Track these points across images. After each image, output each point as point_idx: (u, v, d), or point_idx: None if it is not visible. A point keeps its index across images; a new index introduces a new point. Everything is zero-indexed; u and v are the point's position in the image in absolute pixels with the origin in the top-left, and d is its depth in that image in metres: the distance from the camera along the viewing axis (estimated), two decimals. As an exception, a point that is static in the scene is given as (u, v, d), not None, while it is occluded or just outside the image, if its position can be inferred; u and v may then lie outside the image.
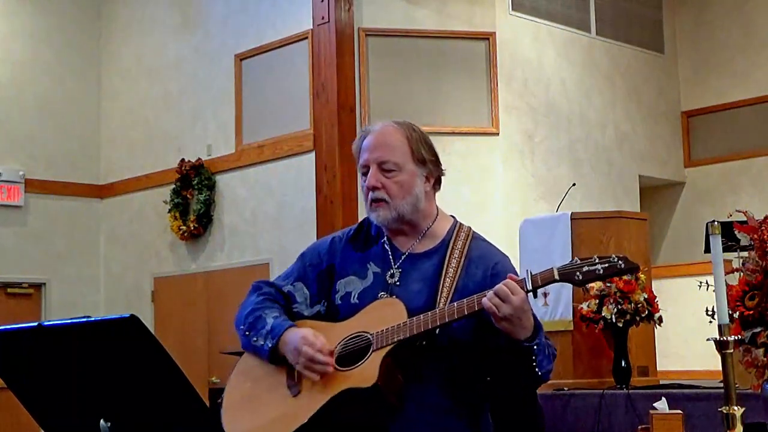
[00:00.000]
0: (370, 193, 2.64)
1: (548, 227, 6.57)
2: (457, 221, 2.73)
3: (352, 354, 2.52)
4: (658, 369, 6.68)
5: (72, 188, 10.84)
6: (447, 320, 2.45)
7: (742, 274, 3.39)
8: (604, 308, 5.94)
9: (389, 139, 2.65)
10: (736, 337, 2.44)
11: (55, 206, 10.72)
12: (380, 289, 2.61)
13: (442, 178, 2.71)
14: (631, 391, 5.82)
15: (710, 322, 2.72)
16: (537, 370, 2.46)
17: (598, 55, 10.23)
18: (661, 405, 5.20)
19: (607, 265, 2.42)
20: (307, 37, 8.95)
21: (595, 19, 10.23)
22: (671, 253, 10.83)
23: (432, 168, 2.67)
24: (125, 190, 10.77)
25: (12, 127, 10.53)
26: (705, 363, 7.33)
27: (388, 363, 2.47)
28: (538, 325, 2.47)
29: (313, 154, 8.79)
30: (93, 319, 2.30)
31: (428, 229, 2.68)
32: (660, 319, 6.11)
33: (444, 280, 2.56)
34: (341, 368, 2.52)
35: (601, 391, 5.89)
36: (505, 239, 6.49)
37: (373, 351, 2.49)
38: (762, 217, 3.43)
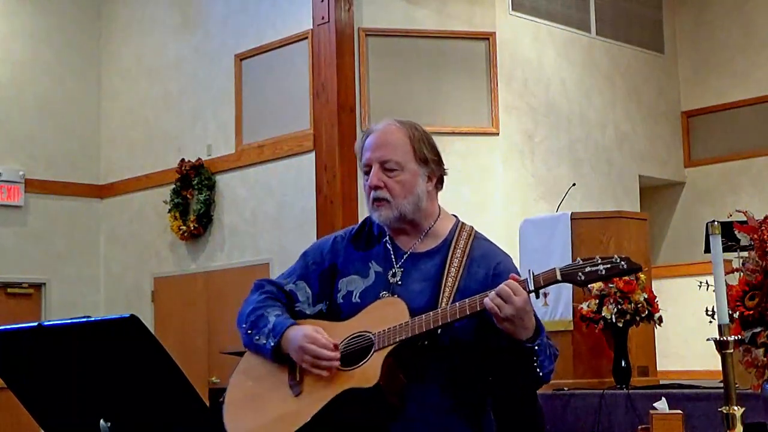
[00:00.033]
0: (372, 193, 2.64)
1: (548, 227, 6.57)
2: (459, 221, 2.73)
3: (354, 354, 2.52)
4: (658, 369, 6.68)
5: (72, 188, 10.84)
6: (449, 320, 2.45)
7: (742, 274, 3.39)
8: (604, 308, 5.94)
9: (391, 139, 2.64)
10: (736, 337, 2.44)
11: (55, 206, 10.72)
12: (382, 289, 2.61)
13: (445, 177, 2.71)
14: (631, 391, 5.82)
15: (710, 322, 2.72)
16: (538, 370, 2.46)
17: (598, 55, 10.23)
18: (661, 405, 5.20)
19: (609, 265, 2.42)
20: (307, 37, 8.95)
21: (595, 19, 10.23)
22: (671, 253, 10.83)
23: (434, 167, 2.66)
24: (125, 190, 10.77)
25: (12, 127, 10.53)
26: (705, 363, 7.33)
27: (390, 363, 2.47)
28: (539, 325, 2.47)
29: (313, 154, 8.79)
30: (93, 319, 2.31)
31: (430, 228, 2.68)
32: (660, 319, 6.11)
33: (446, 279, 2.56)
34: (343, 368, 2.51)
35: (601, 391, 5.89)
36: (505, 239, 6.49)
37: (374, 351, 2.49)
38: (762, 217, 3.42)
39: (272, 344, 2.59)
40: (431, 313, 2.47)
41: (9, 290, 10.42)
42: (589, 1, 10.20)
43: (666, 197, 11.13)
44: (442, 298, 2.53)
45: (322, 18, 8.73)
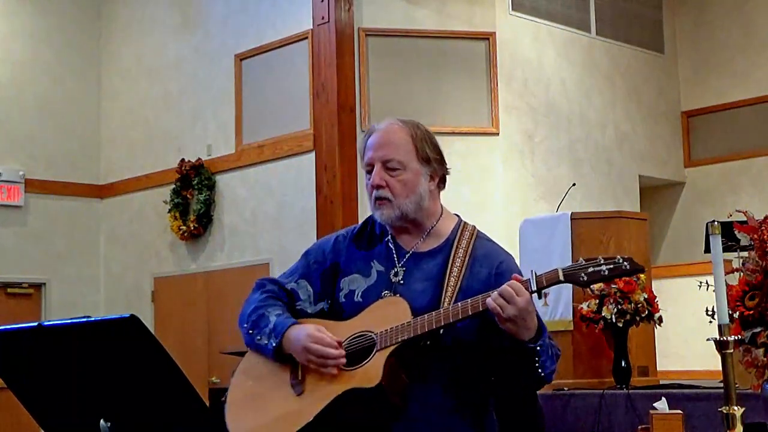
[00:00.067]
0: (374, 192, 2.63)
1: (548, 227, 6.57)
2: (461, 220, 2.72)
3: (356, 353, 2.52)
4: (658, 369, 6.68)
5: (72, 188, 10.84)
6: (451, 320, 2.45)
7: (742, 274, 3.39)
8: (604, 308, 5.94)
9: (393, 138, 2.64)
10: (736, 337, 2.44)
11: (55, 206, 10.71)
12: (384, 288, 2.61)
13: (447, 177, 2.71)
14: (631, 391, 5.82)
15: (710, 322, 2.72)
16: (540, 371, 2.46)
17: (598, 55, 10.23)
18: (661, 405, 5.20)
19: (612, 266, 2.42)
20: (307, 37, 8.95)
21: (595, 19, 10.23)
22: (671, 253, 10.83)
23: (436, 166, 2.66)
24: (125, 190, 10.77)
25: (12, 127, 10.53)
26: (705, 363, 7.33)
27: (392, 363, 2.46)
28: (541, 326, 2.47)
29: (313, 154, 8.79)
30: (93, 319, 2.30)
31: (432, 227, 2.67)
32: (660, 319, 6.11)
33: (448, 279, 2.56)
34: (345, 367, 2.51)
35: (601, 391, 5.89)
36: (505, 239, 6.46)
37: (377, 351, 2.48)
38: (762, 217, 3.42)
39: (273, 344, 2.58)
40: (433, 313, 2.47)
41: (9, 290, 10.42)
42: (589, 1, 10.20)
43: (666, 197, 11.13)
44: (444, 298, 2.52)
45: (322, 18, 8.73)
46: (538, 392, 3.82)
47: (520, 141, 9.22)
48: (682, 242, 10.75)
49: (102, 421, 2.33)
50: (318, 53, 8.77)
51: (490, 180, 8.85)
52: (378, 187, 2.62)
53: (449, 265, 2.58)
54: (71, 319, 2.32)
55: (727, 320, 2.36)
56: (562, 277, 2.42)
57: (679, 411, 5.07)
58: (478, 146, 8.82)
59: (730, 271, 3.35)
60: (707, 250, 4.25)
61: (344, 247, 2.73)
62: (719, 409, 2.35)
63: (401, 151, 2.62)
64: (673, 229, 11.09)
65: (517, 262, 2.75)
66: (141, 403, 2.32)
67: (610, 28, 10.36)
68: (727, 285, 2.87)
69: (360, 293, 2.63)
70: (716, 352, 2.36)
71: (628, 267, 2.42)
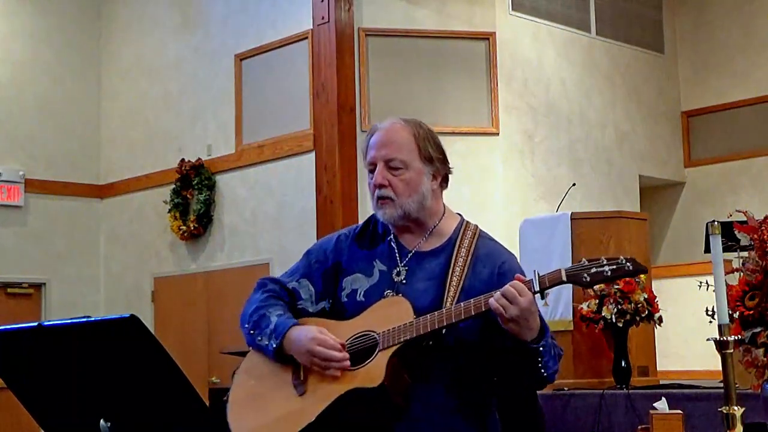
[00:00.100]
0: (377, 191, 2.63)
1: (548, 227, 6.57)
2: (463, 219, 2.72)
3: (358, 353, 2.51)
4: (658, 369, 6.68)
5: (72, 188, 10.84)
6: (454, 320, 2.44)
7: (742, 274, 3.38)
8: (604, 308, 5.94)
9: (396, 137, 2.63)
10: (736, 337, 2.44)
11: (55, 206, 10.71)
12: (386, 287, 2.60)
13: (450, 176, 2.70)
14: (631, 391, 5.82)
15: (710, 322, 2.72)
16: (543, 371, 2.47)
17: (598, 55, 10.23)
18: (661, 405, 5.20)
19: (615, 266, 2.42)
20: (307, 37, 8.95)
21: (595, 19, 10.23)
22: (671, 253, 10.83)
23: (439, 166, 2.66)
24: (125, 190, 10.77)
25: (12, 127, 10.53)
26: (705, 363, 7.33)
27: (395, 363, 2.46)
28: (544, 326, 2.47)
29: (313, 154, 8.78)
30: (93, 319, 2.30)
31: (435, 227, 2.67)
32: (660, 319, 6.11)
33: (451, 278, 2.55)
34: (348, 367, 2.51)
35: (601, 391, 5.89)
36: (505, 239, 6.44)
37: (379, 351, 2.48)
38: (762, 217, 3.42)
39: (274, 345, 2.58)
40: (436, 313, 2.46)
41: (9, 290, 10.42)
42: (589, 1, 10.20)
43: (666, 197, 11.13)
44: (446, 297, 2.52)
45: (322, 18, 8.73)
46: (538, 392, 3.82)
47: (520, 141, 9.22)
48: (682, 242, 10.75)
49: (102, 421, 2.33)
50: (318, 53, 8.77)
51: (490, 180, 8.85)
52: (380, 186, 2.61)
53: (452, 265, 2.58)
54: (71, 319, 2.32)
55: (727, 320, 2.36)
56: (565, 278, 2.41)
57: (679, 411, 5.07)
58: (478, 146, 8.82)
59: (730, 271, 3.35)
60: (707, 250, 4.25)
61: (346, 246, 2.72)
62: (719, 409, 2.35)
63: (404, 150, 2.62)
64: (673, 229, 11.09)
65: (518, 261, 2.74)
66: (141, 403, 2.32)
67: (610, 28, 10.36)
68: (727, 285, 2.87)
69: (362, 293, 2.63)
70: (716, 352, 2.36)
71: (631, 267, 2.42)
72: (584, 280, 2.42)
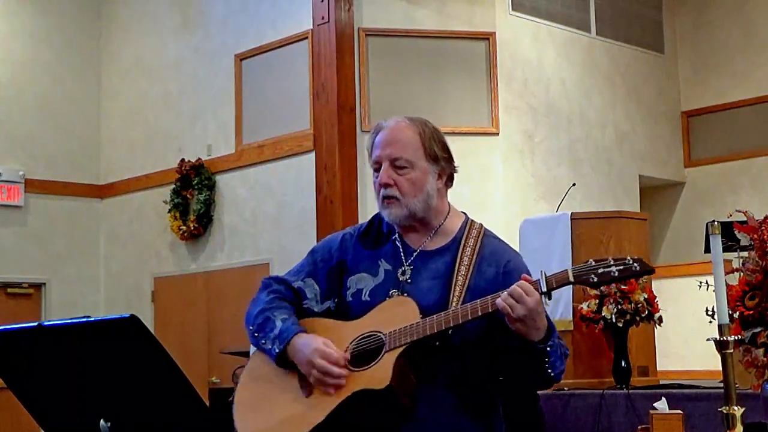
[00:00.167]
0: (382, 191, 2.61)
1: (548, 227, 6.57)
2: (468, 218, 2.71)
3: (364, 354, 2.50)
4: (658, 369, 6.67)
5: (72, 188, 10.84)
6: (460, 321, 2.43)
7: (742, 274, 3.39)
8: (604, 308, 5.94)
9: (401, 136, 2.62)
10: (736, 337, 2.44)
11: (55, 206, 10.71)
12: (391, 287, 2.59)
13: (455, 175, 2.69)
14: (631, 391, 5.81)
15: (710, 322, 2.72)
16: (550, 371, 2.46)
17: (598, 55, 10.23)
18: (661, 405, 5.20)
19: (622, 267, 2.40)
20: (307, 37, 8.95)
21: (595, 19, 10.23)
22: (671, 253, 10.83)
23: (444, 165, 2.65)
24: (125, 190, 10.77)
25: (12, 127, 10.53)
26: (705, 363, 7.33)
27: (401, 364, 2.44)
28: (551, 326, 2.46)
29: (313, 154, 8.78)
30: (93, 319, 2.30)
31: (440, 226, 2.66)
32: (660, 319, 6.11)
33: (456, 278, 2.54)
34: (354, 368, 2.50)
35: (601, 391, 5.89)
36: (505, 239, 6.48)
37: (385, 351, 2.47)
38: (762, 217, 3.42)
39: (277, 350, 2.56)
40: (443, 313, 2.45)
41: (9, 290, 10.42)
42: (589, 1, 10.20)
43: (666, 197, 11.13)
44: (452, 297, 2.51)
45: (322, 18, 8.73)
46: (538, 392, 3.82)
47: (520, 141, 9.22)
48: (682, 242, 10.75)
49: (102, 421, 2.33)
50: (318, 53, 8.77)
51: (490, 180, 8.85)
52: (386, 185, 2.60)
53: (457, 264, 2.57)
54: (71, 319, 2.32)
55: (727, 320, 2.36)
56: (572, 278, 2.41)
57: (679, 411, 5.07)
58: (478, 146, 8.81)
59: (730, 271, 3.35)
60: (707, 250, 4.25)
61: (351, 245, 2.71)
62: (719, 409, 2.35)
63: (409, 149, 2.61)
64: (673, 229, 11.09)
65: (519, 261, 2.73)
66: (141, 403, 2.32)
67: (610, 28, 10.36)
68: (727, 285, 2.87)
69: (368, 292, 2.61)
70: (716, 352, 2.36)
71: (638, 268, 2.40)
72: (592, 280, 2.41)
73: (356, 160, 8.49)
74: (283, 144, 9.14)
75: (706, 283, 2.90)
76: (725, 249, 2.52)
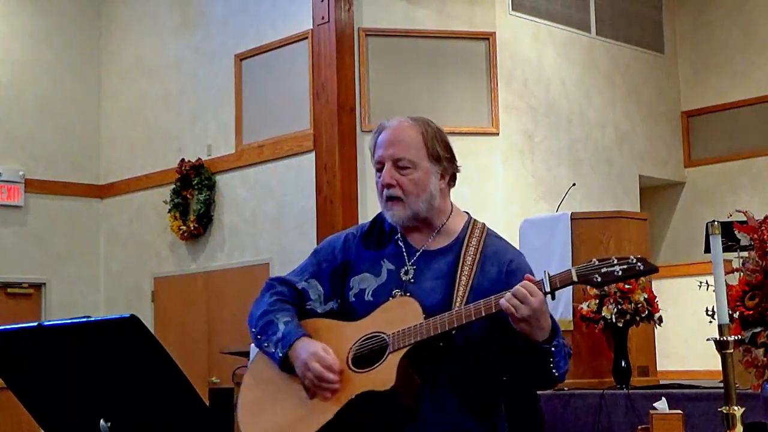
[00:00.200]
0: (385, 191, 2.61)
1: (548, 227, 6.56)
2: (471, 218, 2.71)
3: (368, 355, 2.50)
4: (658, 369, 6.67)
5: (72, 188, 10.84)
6: (464, 322, 2.42)
7: (742, 274, 3.38)
8: (604, 308, 5.93)
9: (404, 136, 2.62)
10: (736, 337, 2.44)
11: (55, 206, 10.71)
12: (394, 287, 2.59)
13: (458, 174, 2.69)
14: (631, 391, 5.81)
15: (710, 322, 2.72)
16: (554, 371, 2.46)
17: (598, 55, 10.23)
18: (661, 405, 5.19)
19: (626, 266, 2.39)
20: (307, 37, 8.95)
21: (595, 19, 10.23)
22: (671, 253, 10.83)
23: (447, 165, 2.65)
24: (125, 190, 10.77)
25: (12, 127, 10.53)
26: (705, 363, 7.33)
27: (405, 365, 2.44)
28: (555, 326, 2.46)
29: (313, 154, 8.78)
30: (93, 319, 2.30)
31: (443, 226, 2.65)
32: (660, 319, 6.10)
33: (459, 277, 2.54)
34: (358, 370, 2.49)
35: (601, 391, 5.89)
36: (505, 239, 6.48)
37: (389, 353, 2.46)
38: (762, 217, 3.42)
39: (280, 355, 2.56)
40: (446, 314, 2.44)
41: (9, 290, 10.42)
42: (589, 1, 10.20)
43: (666, 197, 11.13)
44: (456, 296, 2.51)
45: (322, 18, 8.73)
46: (538, 392, 3.81)
47: (520, 141, 9.22)
48: (682, 242, 10.75)
49: (102, 421, 2.33)
50: (318, 53, 8.77)
51: (490, 180, 8.85)
52: (389, 186, 2.60)
53: (460, 264, 2.57)
54: (71, 319, 2.32)
55: (727, 320, 2.36)
56: (576, 278, 2.40)
57: (679, 411, 5.06)
58: (478, 146, 8.81)
59: (730, 271, 3.35)
60: (707, 250, 4.24)
61: (354, 245, 2.70)
62: (719, 409, 2.35)
63: (412, 149, 2.60)
64: (673, 229, 11.09)
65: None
66: (141, 403, 2.32)
67: (610, 28, 10.36)
68: (727, 285, 2.87)
69: (370, 292, 2.61)
70: (716, 352, 2.36)
71: (642, 267, 2.39)
72: (595, 280, 2.40)
73: (356, 160, 8.49)
74: (283, 144, 9.14)
75: (706, 283, 2.90)
76: (725, 249, 2.52)
